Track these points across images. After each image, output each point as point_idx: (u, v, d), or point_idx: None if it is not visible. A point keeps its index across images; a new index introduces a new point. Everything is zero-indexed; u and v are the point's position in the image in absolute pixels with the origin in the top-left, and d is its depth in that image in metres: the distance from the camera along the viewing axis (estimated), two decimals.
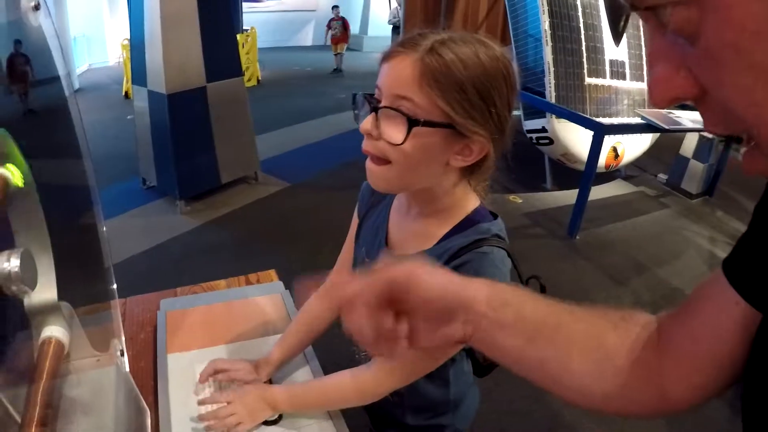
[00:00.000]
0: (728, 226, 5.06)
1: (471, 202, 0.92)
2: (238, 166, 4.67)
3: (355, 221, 1.10)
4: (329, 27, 11.16)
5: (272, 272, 1.56)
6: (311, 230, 4.09)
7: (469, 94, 0.76)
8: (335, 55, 11.16)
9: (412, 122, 0.76)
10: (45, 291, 0.72)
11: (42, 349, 0.71)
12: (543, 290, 1.14)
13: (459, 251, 0.86)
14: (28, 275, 0.58)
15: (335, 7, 11.21)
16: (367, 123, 0.80)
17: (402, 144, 0.78)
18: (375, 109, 0.80)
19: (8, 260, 0.56)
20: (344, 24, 11.11)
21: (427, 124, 0.77)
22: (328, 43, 11.29)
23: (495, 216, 0.94)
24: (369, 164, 0.84)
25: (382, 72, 0.81)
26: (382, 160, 0.82)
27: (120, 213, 4.08)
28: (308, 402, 1.03)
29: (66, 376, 0.81)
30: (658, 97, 0.37)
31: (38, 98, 0.93)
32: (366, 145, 0.82)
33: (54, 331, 0.74)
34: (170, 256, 3.57)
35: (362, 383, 0.96)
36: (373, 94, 0.82)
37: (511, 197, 5.13)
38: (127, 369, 1.02)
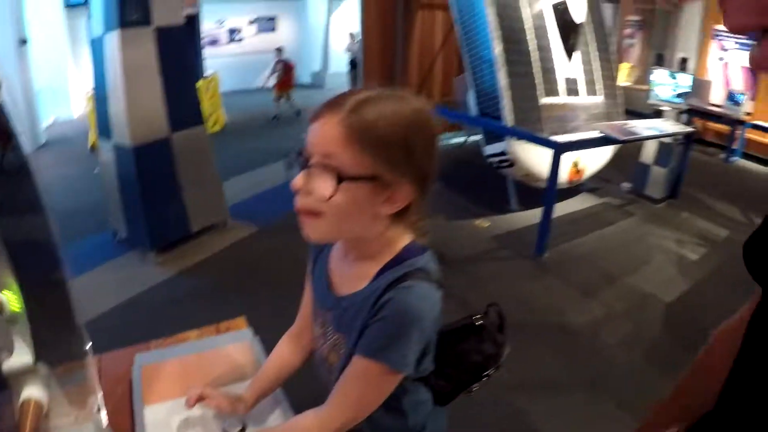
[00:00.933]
0: (694, 226, 5.22)
1: (401, 241, 0.97)
2: (208, 214, 4.67)
3: (310, 268, 1.16)
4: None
5: (241, 320, 1.60)
6: (282, 272, 4.06)
7: (391, 147, 0.84)
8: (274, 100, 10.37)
9: (339, 177, 0.83)
10: (22, 355, 0.76)
11: (22, 410, 0.76)
12: (501, 318, 1.18)
13: (385, 289, 0.91)
14: (6, 343, 0.63)
15: (277, 49, 10.50)
16: (298, 180, 0.87)
17: (331, 198, 0.84)
18: (305, 167, 0.87)
19: None
20: (285, 66, 10.29)
21: (354, 178, 0.84)
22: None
23: (425, 250, 0.99)
24: (302, 217, 0.90)
25: (311, 131, 0.87)
26: (314, 214, 0.88)
27: (92, 267, 4.06)
28: None
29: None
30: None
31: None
32: (298, 201, 0.88)
33: (32, 392, 0.79)
34: (144, 308, 3.56)
35: (323, 420, 1.00)
36: (302, 152, 0.88)
37: (478, 222, 5.20)
38: (106, 424, 1.06)
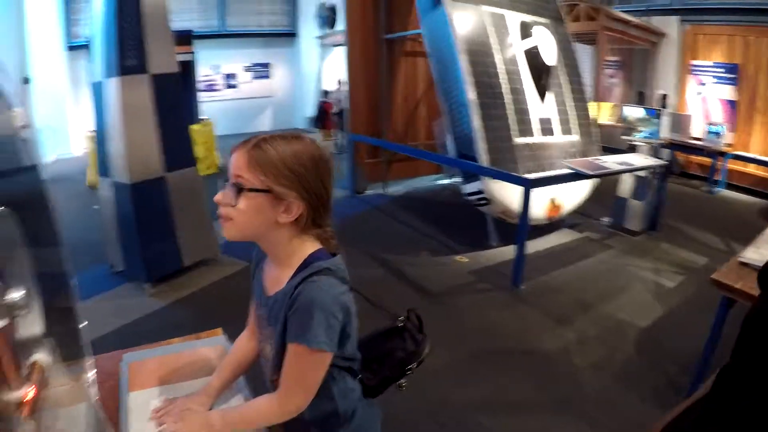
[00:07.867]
0: (673, 256, 5.32)
1: (308, 248, 1.24)
2: (199, 249, 4.86)
3: (252, 276, 1.43)
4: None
5: (219, 330, 1.86)
6: None
7: (281, 169, 1.12)
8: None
9: (240, 189, 1.13)
10: (35, 324, 0.98)
11: (32, 368, 0.97)
12: (420, 320, 1.49)
13: (297, 286, 1.17)
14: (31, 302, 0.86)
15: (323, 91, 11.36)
16: (219, 195, 1.16)
17: (237, 205, 1.13)
18: (224, 185, 1.16)
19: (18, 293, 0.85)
20: (322, 107, 11.09)
21: (252, 190, 1.12)
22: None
23: (334, 255, 1.25)
24: (220, 221, 1.18)
25: (230, 160, 1.17)
26: (228, 219, 1.16)
27: (89, 297, 4.23)
28: (237, 421, 1.28)
29: (46, 398, 1.05)
30: None
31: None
32: (219, 210, 1.17)
33: (40, 356, 1.01)
34: (139, 334, 3.71)
35: (274, 403, 1.24)
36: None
37: (458, 258, 5.35)
38: (96, 398, 1.26)
